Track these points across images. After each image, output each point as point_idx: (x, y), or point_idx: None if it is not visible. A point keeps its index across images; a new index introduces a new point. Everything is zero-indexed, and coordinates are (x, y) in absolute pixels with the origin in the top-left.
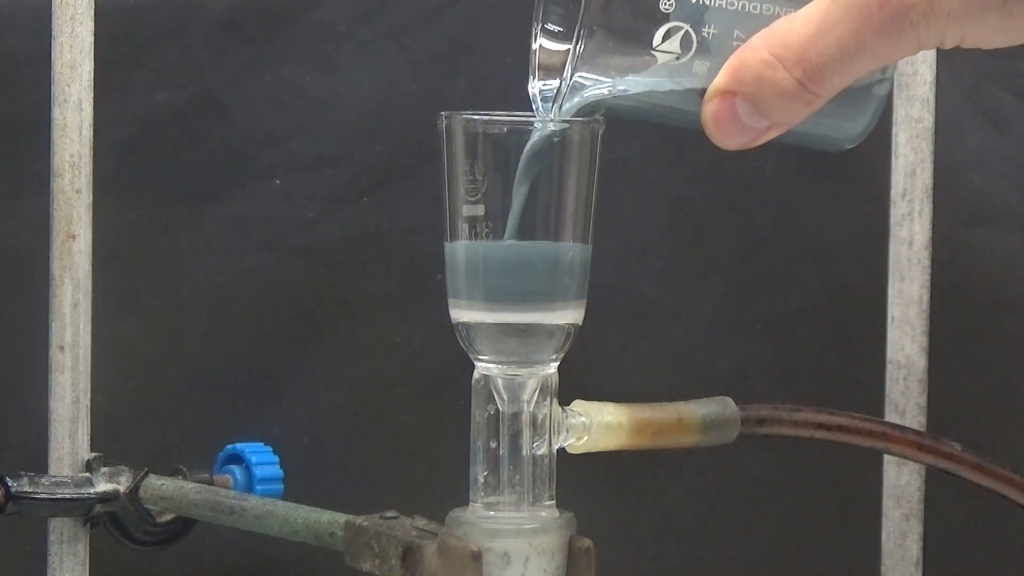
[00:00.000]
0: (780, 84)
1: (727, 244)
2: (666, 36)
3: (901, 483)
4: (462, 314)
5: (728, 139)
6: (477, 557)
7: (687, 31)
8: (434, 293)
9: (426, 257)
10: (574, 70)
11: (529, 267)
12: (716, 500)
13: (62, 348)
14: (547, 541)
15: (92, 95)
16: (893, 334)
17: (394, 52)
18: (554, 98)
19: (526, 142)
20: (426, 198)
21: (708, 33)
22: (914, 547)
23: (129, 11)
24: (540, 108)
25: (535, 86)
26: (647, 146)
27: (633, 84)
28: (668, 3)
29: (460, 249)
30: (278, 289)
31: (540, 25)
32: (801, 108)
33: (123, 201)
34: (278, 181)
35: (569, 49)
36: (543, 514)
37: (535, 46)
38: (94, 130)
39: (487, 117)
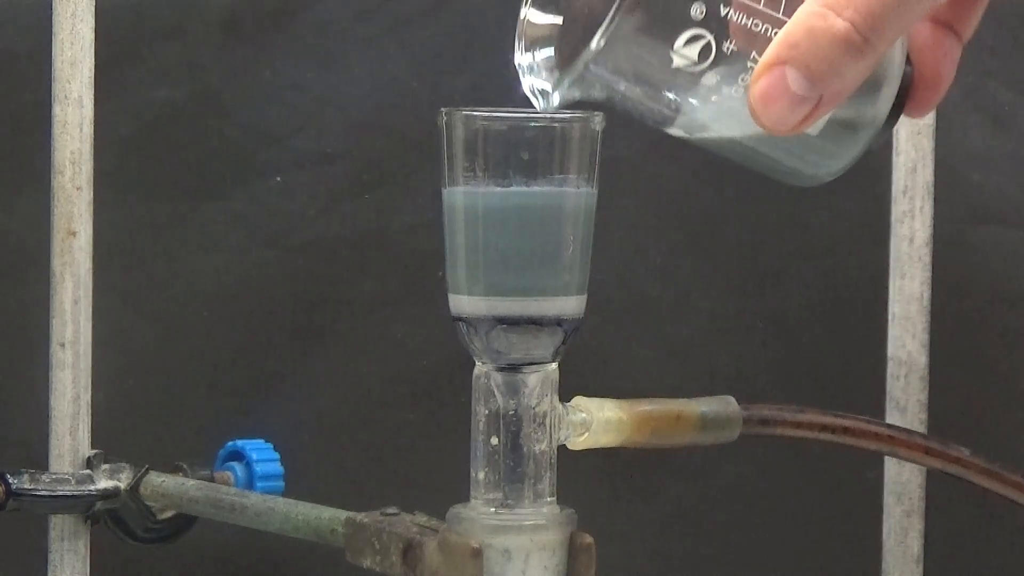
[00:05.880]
0: (833, 30)
1: (728, 241)
2: (688, 42)
3: (902, 480)
4: (463, 307)
5: (779, 118)
6: (478, 554)
7: (709, 41)
8: (435, 290)
9: (427, 254)
10: (601, 44)
11: (529, 257)
12: (717, 497)
13: (63, 345)
14: (548, 537)
15: (93, 92)
16: (894, 331)
17: (395, 49)
18: (568, 70)
19: (526, 140)
20: (427, 195)
21: (728, 48)
22: (915, 544)
23: (130, 8)
24: (531, 84)
25: (523, 58)
26: (648, 143)
27: (641, 78)
28: (699, 10)
29: (459, 241)
30: (279, 286)
31: None
32: (855, 64)
33: (124, 198)
34: (279, 178)
35: (556, 23)
36: (544, 510)
37: (523, 15)
38: (95, 127)
39: (487, 114)
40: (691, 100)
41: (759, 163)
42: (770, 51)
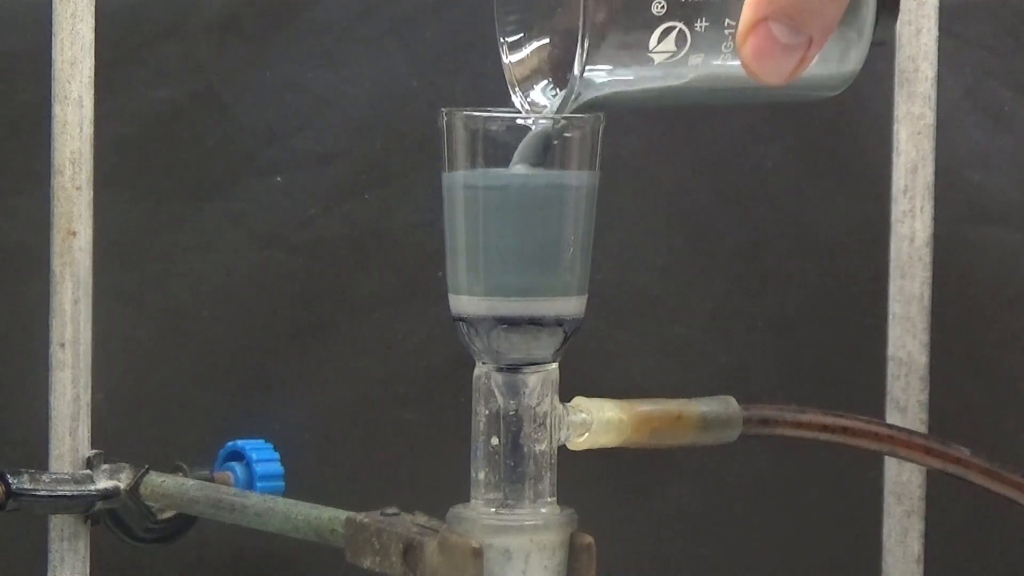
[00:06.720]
0: None
1: (728, 241)
2: (661, 37)
3: (902, 480)
4: (463, 307)
5: (775, 70)
6: (478, 554)
7: (681, 28)
8: (435, 290)
9: (427, 254)
10: (579, 84)
11: (530, 257)
12: (717, 497)
13: (63, 345)
14: (548, 537)
15: (93, 92)
16: (894, 331)
17: (395, 48)
18: (560, 107)
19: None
20: (427, 195)
21: (700, 27)
22: (915, 544)
23: (130, 8)
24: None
25: (518, 97)
26: (648, 143)
27: (631, 84)
28: (660, 6)
29: (460, 237)
30: (279, 286)
31: (503, 39)
32: (833, 2)
33: (124, 198)
34: (279, 178)
35: (530, 54)
36: (544, 511)
37: (505, 61)
38: (95, 127)
39: (488, 114)
40: (684, 79)
41: (766, 98)
42: (747, 12)
